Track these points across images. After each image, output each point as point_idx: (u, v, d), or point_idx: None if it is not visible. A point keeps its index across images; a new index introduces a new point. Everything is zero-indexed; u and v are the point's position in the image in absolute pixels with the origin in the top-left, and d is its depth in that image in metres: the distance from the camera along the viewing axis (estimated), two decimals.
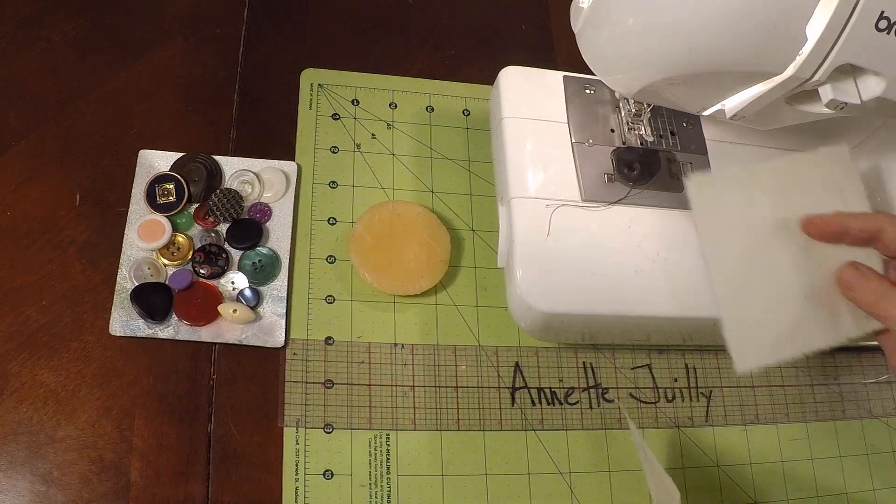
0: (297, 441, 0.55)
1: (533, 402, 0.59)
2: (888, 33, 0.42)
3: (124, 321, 0.55)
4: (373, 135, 0.66)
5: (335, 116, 0.66)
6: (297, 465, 0.54)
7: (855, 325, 0.47)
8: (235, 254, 0.59)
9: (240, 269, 0.59)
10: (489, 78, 0.62)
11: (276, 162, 0.63)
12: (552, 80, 0.61)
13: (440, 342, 0.59)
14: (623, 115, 0.60)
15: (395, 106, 0.68)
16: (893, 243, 0.47)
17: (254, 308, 0.57)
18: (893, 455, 0.64)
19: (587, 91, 0.61)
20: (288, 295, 0.58)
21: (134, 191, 0.60)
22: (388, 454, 0.55)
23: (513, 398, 0.59)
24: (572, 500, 0.57)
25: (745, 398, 0.63)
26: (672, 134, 0.61)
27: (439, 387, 0.58)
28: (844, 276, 0.47)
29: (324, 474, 0.54)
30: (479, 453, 0.57)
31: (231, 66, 0.67)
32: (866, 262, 0.47)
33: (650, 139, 0.60)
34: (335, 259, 0.61)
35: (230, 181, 0.61)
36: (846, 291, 0.47)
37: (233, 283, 0.58)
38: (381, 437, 0.56)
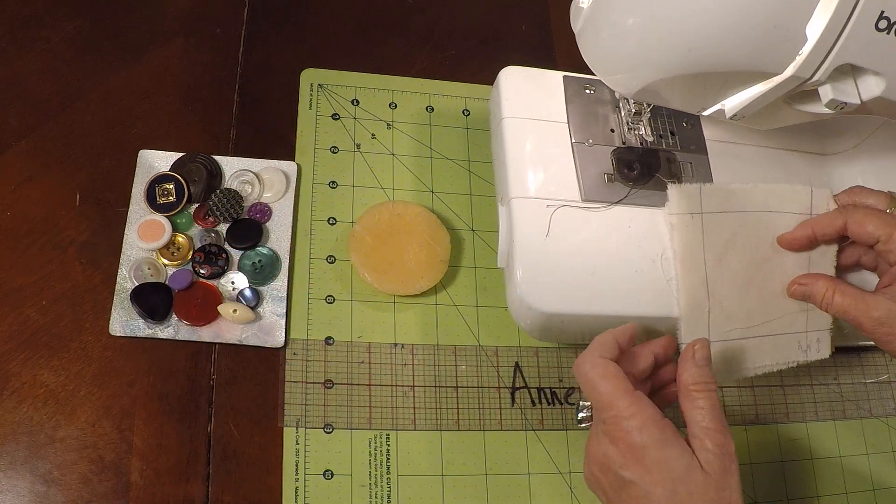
0: (297, 441, 0.55)
1: (533, 402, 0.59)
2: (888, 33, 0.42)
3: (124, 321, 0.55)
4: (373, 135, 0.66)
5: (335, 116, 0.66)
6: (297, 465, 0.54)
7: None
8: (235, 254, 0.59)
9: (240, 269, 0.59)
10: (489, 78, 0.62)
11: (276, 162, 0.63)
12: (552, 80, 0.61)
13: (440, 342, 0.59)
14: (623, 115, 0.60)
15: (395, 106, 0.68)
16: (857, 232, 0.52)
17: (254, 308, 0.57)
18: (893, 455, 0.64)
19: (587, 91, 0.61)
20: (288, 295, 0.58)
21: (134, 191, 0.60)
22: (388, 454, 0.55)
23: (513, 398, 0.59)
24: (572, 500, 0.57)
25: (744, 398, 0.63)
26: (672, 134, 0.61)
27: (439, 387, 0.58)
28: (796, 294, 0.54)
29: (324, 474, 0.54)
30: (479, 453, 0.57)
31: (231, 66, 0.67)
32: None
33: (650, 139, 0.60)
34: (335, 259, 0.61)
35: (230, 181, 0.61)
36: (820, 305, 0.53)
37: (233, 283, 0.58)
38: (381, 437, 0.56)
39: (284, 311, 0.58)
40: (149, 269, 0.57)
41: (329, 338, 0.58)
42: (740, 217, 0.55)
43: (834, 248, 0.55)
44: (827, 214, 0.54)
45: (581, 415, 0.48)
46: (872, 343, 0.65)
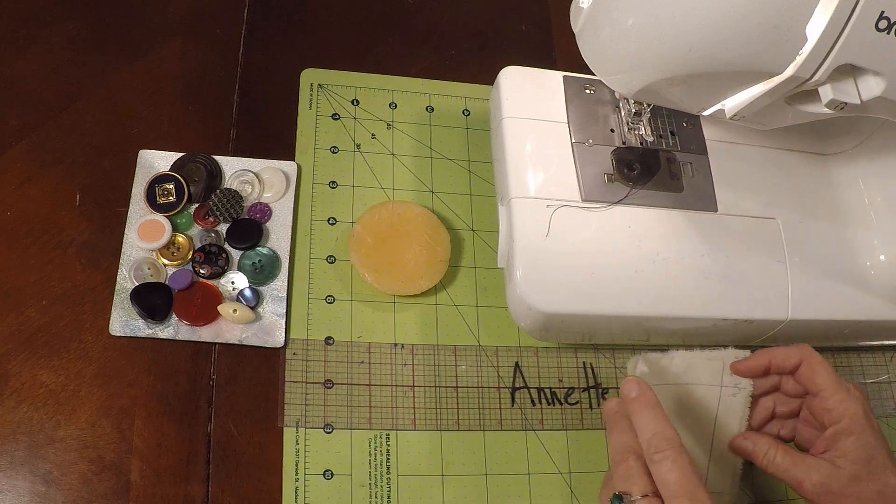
0: (297, 441, 0.55)
1: (533, 402, 0.59)
2: (888, 33, 0.42)
3: (124, 321, 0.55)
4: (373, 135, 0.66)
5: (335, 116, 0.66)
6: (297, 465, 0.54)
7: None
8: (235, 254, 0.59)
9: (240, 269, 0.59)
10: (489, 78, 0.62)
11: (276, 162, 0.63)
12: (552, 80, 0.61)
13: (440, 342, 0.59)
14: (623, 115, 0.60)
15: (395, 106, 0.68)
16: (804, 379, 0.52)
17: (254, 308, 0.57)
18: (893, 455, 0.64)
19: (587, 91, 0.61)
20: (288, 295, 0.58)
21: (134, 191, 0.60)
22: (388, 454, 0.55)
23: (513, 398, 0.59)
24: (572, 500, 0.57)
25: None
26: (672, 134, 0.61)
27: (439, 387, 0.58)
28: (738, 448, 0.53)
29: (324, 474, 0.54)
30: (479, 453, 0.57)
31: (231, 66, 0.67)
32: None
33: (650, 139, 0.60)
34: (335, 259, 0.61)
35: (230, 181, 0.61)
36: (760, 462, 0.52)
37: (233, 283, 0.58)
38: (381, 437, 0.56)
39: (284, 311, 0.58)
40: (149, 269, 0.57)
41: (329, 338, 0.58)
42: (666, 389, 0.55)
43: (741, 417, 0.55)
44: (785, 349, 0.53)
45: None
46: (873, 343, 0.65)
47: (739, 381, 0.55)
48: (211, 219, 0.60)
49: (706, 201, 0.59)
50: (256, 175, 0.62)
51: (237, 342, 0.56)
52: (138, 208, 0.59)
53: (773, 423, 0.56)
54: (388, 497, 0.54)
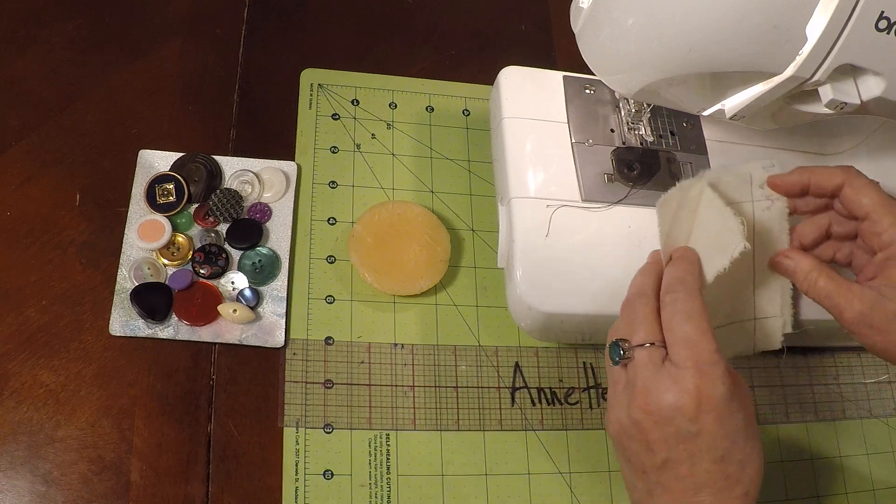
0: (297, 441, 0.55)
1: (533, 402, 0.59)
2: (888, 33, 0.42)
3: (124, 321, 0.55)
4: (373, 135, 0.66)
5: (335, 116, 0.66)
6: (297, 465, 0.54)
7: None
8: (235, 254, 0.59)
9: (240, 269, 0.59)
10: (489, 78, 0.62)
11: (276, 162, 0.63)
12: (552, 80, 0.61)
13: (440, 342, 0.59)
14: (623, 115, 0.60)
15: (395, 106, 0.68)
16: (848, 202, 0.47)
17: (254, 308, 0.57)
18: (893, 455, 0.64)
19: (587, 91, 0.61)
20: (288, 295, 0.58)
21: (134, 191, 0.60)
22: (388, 454, 0.55)
23: (513, 398, 0.59)
24: (572, 500, 0.57)
25: None
26: (672, 134, 0.61)
27: (439, 387, 0.58)
28: (779, 266, 0.49)
29: (324, 474, 0.54)
30: (479, 453, 0.57)
31: (231, 66, 0.67)
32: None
33: (650, 139, 0.60)
34: (335, 259, 0.61)
35: (230, 181, 0.61)
36: (801, 285, 0.48)
37: (233, 283, 0.58)
38: (381, 437, 0.56)
39: (284, 311, 0.58)
40: (149, 269, 0.57)
41: (329, 338, 0.58)
42: (694, 216, 0.50)
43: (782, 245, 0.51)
44: (827, 168, 0.48)
45: (622, 353, 0.43)
46: None
47: (771, 192, 0.50)
48: (211, 219, 0.60)
49: None
50: (256, 175, 0.62)
51: (237, 342, 0.56)
52: (138, 208, 0.59)
53: (829, 245, 0.50)
54: (388, 497, 0.54)
